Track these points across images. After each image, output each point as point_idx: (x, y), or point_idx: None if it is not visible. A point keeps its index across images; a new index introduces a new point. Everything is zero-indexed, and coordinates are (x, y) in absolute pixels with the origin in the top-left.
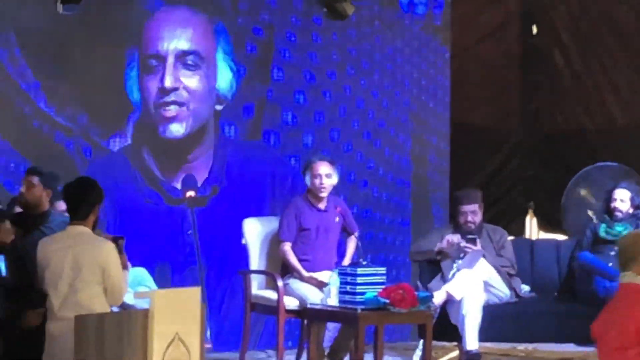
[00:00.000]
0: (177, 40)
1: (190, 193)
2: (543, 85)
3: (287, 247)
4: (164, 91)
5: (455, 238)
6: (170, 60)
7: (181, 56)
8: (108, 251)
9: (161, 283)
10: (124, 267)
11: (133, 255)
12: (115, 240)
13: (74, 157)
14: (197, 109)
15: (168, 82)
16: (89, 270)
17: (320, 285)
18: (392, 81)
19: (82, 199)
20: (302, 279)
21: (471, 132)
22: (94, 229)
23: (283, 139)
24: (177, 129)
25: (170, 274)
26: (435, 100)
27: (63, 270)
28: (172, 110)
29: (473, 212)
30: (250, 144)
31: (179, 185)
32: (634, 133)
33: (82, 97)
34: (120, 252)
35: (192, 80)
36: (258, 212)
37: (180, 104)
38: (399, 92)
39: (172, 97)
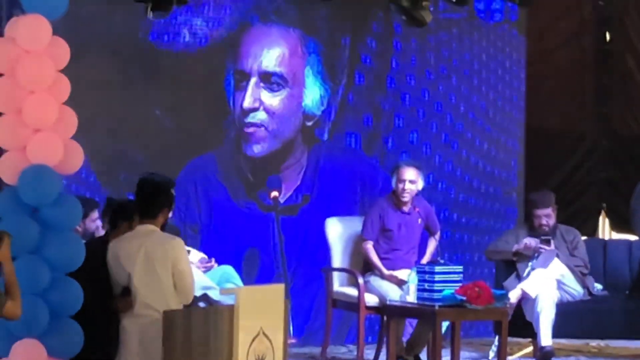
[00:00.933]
0: (262, 59)
1: (275, 193)
2: (616, 90)
3: (369, 245)
4: (244, 112)
5: (533, 242)
6: (253, 80)
7: (265, 76)
8: (178, 246)
9: (248, 282)
10: None
11: (222, 254)
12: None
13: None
14: (277, 129)
15: (247, 103)
16: (161, 266)
17: (400, 283)
18: (469, 86)
19: (155, 199)
20: (382, 276)
21: (546, 136)
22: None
23: (364, 141)
24: (256, 149)
25: (257, 273)
26: (511, 104)
27: (134, 268)
28: (250, 129)
29: (547, 216)
30: (338, 148)
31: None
32: None
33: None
34: None
35: (274, 100)
36: (347, 214)
37: (258, 125)
38: (476, 97)
39: (249, 119)
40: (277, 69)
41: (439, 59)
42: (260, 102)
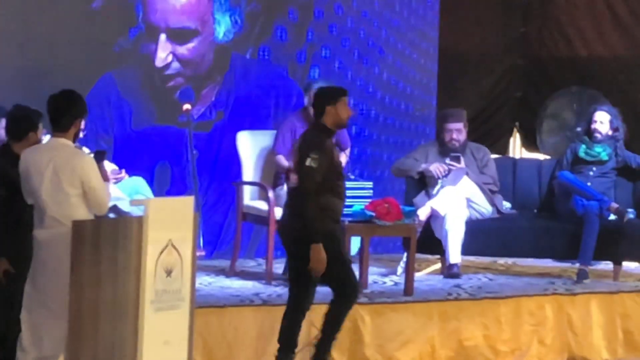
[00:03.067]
0: (169, 15)
1: (187, 106)
2: (535, 11)
3: (281, 156)
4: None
5: (441, 167)
6: (163, 36)
7: (172, 34)
8: (87, 163)
9: (159, 195)
10: (105, 179)
11: (135, 167)
12: (99, 154)
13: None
14: (193, 71)
15: (159, 62)
16: (68, 182)
17: None
18: (386, 7)
19: (65, 111)
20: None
21: (462, 56)
22: (74, 142)
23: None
24: (176, 87)
25: (168, 187)
26: (425, 23)
27: (43, 181)
28: (170, 83)
29: (458, 130)
30: (257, 65)
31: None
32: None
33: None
34: (100, 164)
35: (185, 50)
36: (261, 129)
37: (175, 75)
38: (388, 13)
39: (166, 71)
40: (185, 23)
41: None
42: (173, 55)
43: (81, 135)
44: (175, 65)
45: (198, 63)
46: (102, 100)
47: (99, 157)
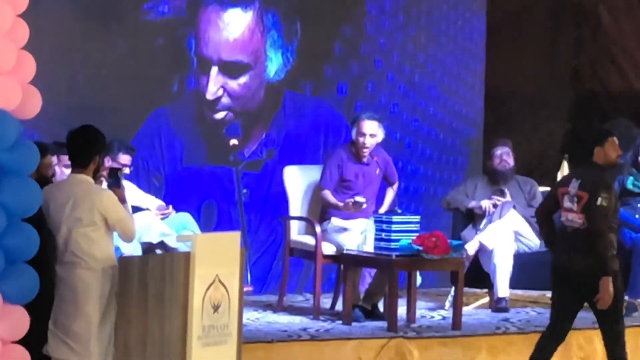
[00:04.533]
0: (221, 48)
1: (234, 141)
2: (588, 42)
3: (327, 191)
4: (208, 101)
5: (488, 203)
6: (215, 69)
7: (225, 65)
8: (106, 198)
9: (205, 229)
10: (121, 200)
11: (183, 205)
12: (113, 172)
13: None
14: (243, 107)
15: (210, 95)
16: (87, 218)
17: (357, 207)
18: (430, 39)
19: (83, 147)
20: (340, 207)
21: (511, 90)
22: (95, 178)
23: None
24: (225, 123)
25: (215, 221)
26: (471, 57)
27: (62, 217)
28: (219, 115)
29: (506, 154)
30: (305, 100)
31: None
32: None
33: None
34: (118, 184)
35: (236, 84)
36: (310, 164)
37: (225, 109)
38: (434, 48)
39: (216, 106)
40: (238, 57)
41: (396, 8)
42: (224, 89)
43: (127, 171)
44: (226, 100)
45: (249, 99)
46: (153, 136)
47: (114, 175)
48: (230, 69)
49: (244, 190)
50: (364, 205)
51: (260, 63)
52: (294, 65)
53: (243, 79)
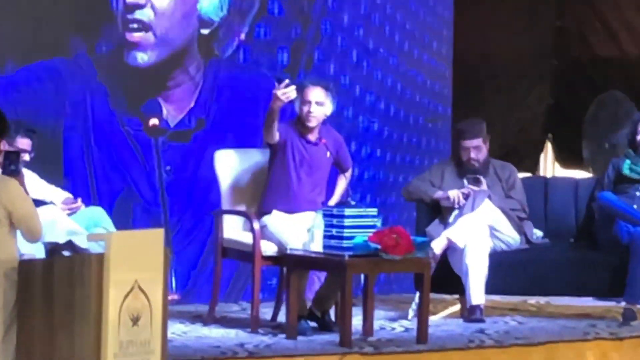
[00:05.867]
0: None
1: (154, 121)
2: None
3: None
4: (127, 7)
5: (462, 195)
6: None
7: None
8: (11, 188)
9: (121, 227)
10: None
11: (93, 192)
12: (14, 157)
13: None
14: (166, 34)
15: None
16: None
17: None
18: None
19: None
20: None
21: (484, 57)
22: None
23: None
24: (141, 58)
25: (132, 216)
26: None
27: None
28: (135, 36)
29: (476, 148)
30: (242, 67)
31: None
32: None
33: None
34: (17, 172)
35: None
36: (249, 143)
37: (144, 26)
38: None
39: (134, 16)
40: None
41: None
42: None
43: (27, 157)
44: (148, 12)
45: (175, 23)
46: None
47: (12, 160)
48: None
49: (168, 168)
50: (287, 84)
51: None
52: (231, 11)
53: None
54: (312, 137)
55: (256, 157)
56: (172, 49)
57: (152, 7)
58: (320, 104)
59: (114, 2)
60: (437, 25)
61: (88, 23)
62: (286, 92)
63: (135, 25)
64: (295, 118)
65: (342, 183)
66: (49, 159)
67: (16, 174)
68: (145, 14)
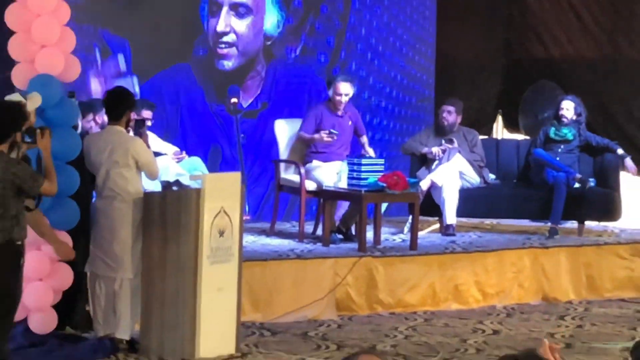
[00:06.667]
0: None
1: (234, 100)
2: (517, 18)
3: (302, 132)
4: (217, 34)
5: (436, 149)
6: (225, 9)
7: (234, 6)
8: (137, 144)
9: (211, 169)
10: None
11: (192, 147)
12: (141, 123)
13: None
14: (244, 48)
15: (220, 27)
16: (122, 161)
17: (331, 136)
18: (389, 16)
19: (117, 104)
20: (316, 138)
21: (456, 57)
22: (126, 128)
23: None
24: (227, 64)
25: (219, 165)
26: (423, 31)
27: (102, 160)
28: (224, 50)
29: (448, 112)
30: (293, 66)
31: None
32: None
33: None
34: (143, 132)
35: (241, 25)
36: (297, 116)
37: (229, 45)
38: (394, 23)
39: (223, 39)
40: (244, 0)
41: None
42: (231, 27)
43: (149, 123)
44: (232, 37)
45: (250, 40)
46: (167, 90)
47: (139, 126)
48: (237, 9)
49: (242, 135)
50: (335, 137)
51: (260, 13)
52: (285, 28)
53: (246, 21)
54: (340, 112)
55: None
56: (247, 57)
57: (234, 32)
58: (347, 95)
59: (206, 26)
60: (425, 35)
61: (189, 39)
62: (328, 139)
63: (223, 45)
64: (328, 100)
65: (364, 140)
66: (170, 127)
67: (141, 135)
68: (230, 37)
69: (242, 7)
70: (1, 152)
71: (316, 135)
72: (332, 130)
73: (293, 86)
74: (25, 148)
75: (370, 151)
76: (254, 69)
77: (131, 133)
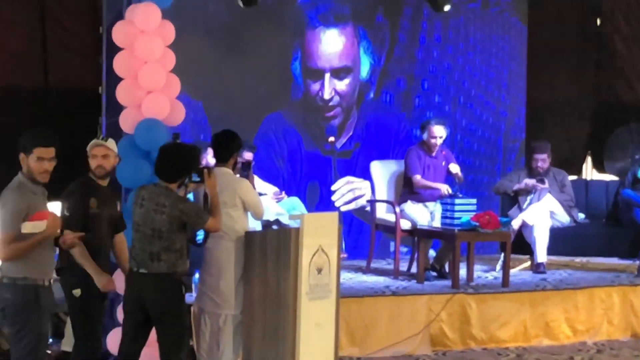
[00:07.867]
0: (331, 59)
1: (332, 138)
2: (605, 63)
3: (419, 176)
4: (323, 100)
5: (531, 182)
6: (327, 75)
7: (335, 72)
8: (244, 186)
9: (310, 209)
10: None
11: (291, 188)
12: (247, 165)
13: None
14: (347, 103)
15: (327, 95)
16: (230, 200)
17: (443, 188)
18: (481, 59)
19: (225, 146)
20: (433, 187)
21: (548, 100)
22: (234, 169)
23: (397, 100)
24: (335, 122)
25: (317, 200)
26: (514, 75)
27: None
28: (331, 113)
29: (543, 160)
30: (379, 106)
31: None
32: None
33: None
34: (249, 174)
35: (343, 85)
36: (383, 157)
37: (336, 106)
38: (485, 67)
39: (329, 103)
40: (344, 63)
41: (457, 37)
42: (335, 90)
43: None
44: (337, 98)
45: (350, 96)
46: (269, 136)
47: (246, 168)
48: (339, 73)
49: (337, 175)
50: (449, 191)
51: (357, 66)
52: (378, 73)
53: (347, 80)
54: (434, 153)
55: (394, 166)
56: (347, 106)
57: (337, 93)
58: (441, 137)
59: (300, 81)
60: (516, 78)
61: (285, 93)
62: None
63: (329, 110)
64: (422, 141)
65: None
66: (270, 168)
67: (247, 177)
68: (335, 100)
69: (343, 71)
70: (171, 190)
71: (435, 185)
72: (448, 189)
73: (381, 127)
74: (193, 187)
75: (456, 168)
76: (349, 114)
77: (237, 175)
